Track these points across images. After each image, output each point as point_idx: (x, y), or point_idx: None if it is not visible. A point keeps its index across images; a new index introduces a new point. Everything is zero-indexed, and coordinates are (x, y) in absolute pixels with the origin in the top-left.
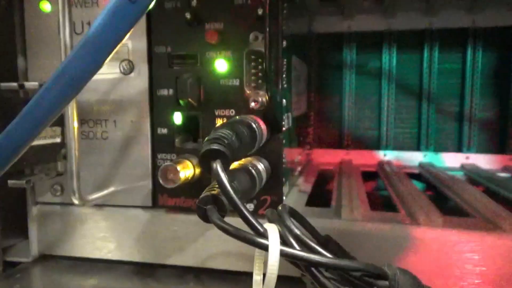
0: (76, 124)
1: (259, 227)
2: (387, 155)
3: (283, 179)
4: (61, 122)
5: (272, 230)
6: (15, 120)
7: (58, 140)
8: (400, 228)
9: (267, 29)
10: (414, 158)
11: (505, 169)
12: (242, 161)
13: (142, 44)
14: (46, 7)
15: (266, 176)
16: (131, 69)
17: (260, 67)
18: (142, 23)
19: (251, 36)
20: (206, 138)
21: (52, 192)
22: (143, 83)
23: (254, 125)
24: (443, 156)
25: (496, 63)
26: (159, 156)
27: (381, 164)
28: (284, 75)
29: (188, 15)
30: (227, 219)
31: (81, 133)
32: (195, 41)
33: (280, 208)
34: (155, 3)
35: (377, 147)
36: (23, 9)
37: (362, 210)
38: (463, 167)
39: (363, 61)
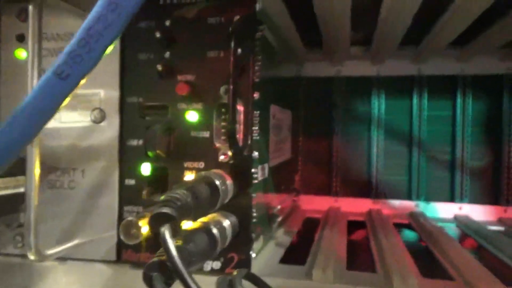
0: (37, 172)
1: None
2: (377, 203)
3: (253, 235)
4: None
5: None
6: None
7: (22, 190)
8: None
9: (231, 86)
10: (405, 207)
11: (499, 221)
12: (206, 218)
13: (115, 93)
14: (22, 54)
15: (233, 232)
16: (102, 118)
17: None
18: (115, 72)
19: (222, 89)
20: (160, 199)
21: (13, 244)
22: (113, 132)
23: (217, 182)
24: (435, 206)
25: (486, 110)
26: (125, 208)
27: (370, 212)
28: (256, 127)
29: (160, 67)
30: None
31: (48, 182)
32: (166, 93)
33: (235, 274)
34: (129, 53)
35: (367, 194)
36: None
37: (336, 269)
38: (456, 219)
39: (352, 105)
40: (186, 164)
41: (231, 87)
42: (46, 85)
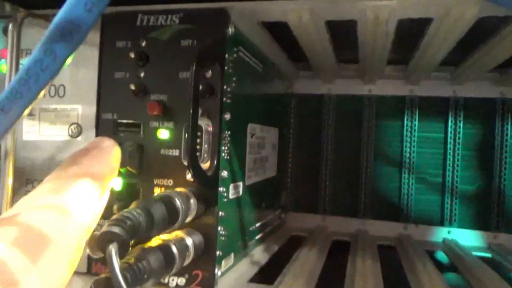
0: (10, 182)
1: None
2: (365, 224)
3: (219, 253)
4: None
5: None
6: None
7: None
8: None
9: (191, 111)
10: (393, 229)
11: (488, 248)
12: (170, 235)
13: (92, 109)
14: (4, 68)
15: (197, 250)
16: (79, 132)
17: (198, 140)
18: (93, 89)
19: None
20: (111, 218)
21: None
22: None
23: (177, 201)
24: (424, 229)
25: (478, 134)
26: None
27: (356, 234)
28: (226, 147)
29: (133, 86)
30: None
31: (25, 193)
32: (139, 111)
33: None
34: (106, 71)
35: (355, 214)
36: None
37: None
38: (444, 243)
39: (343, 124)
40: (156, 181)
41: (191, 111)
42: None
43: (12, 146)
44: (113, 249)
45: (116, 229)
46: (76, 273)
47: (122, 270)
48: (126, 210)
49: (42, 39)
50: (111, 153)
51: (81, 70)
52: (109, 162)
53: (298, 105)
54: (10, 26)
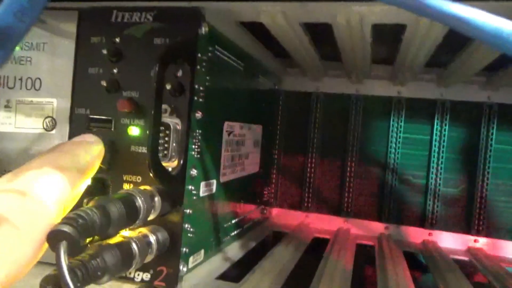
0: None
1: None
2: (348, 222)
3: (184, 249)
4: None
5: None
6: None
7: None
8: None
9: (153, 110)
10: (375, 228)
11: (467, 251)
12: (133, 232)
13: (66, 103)
14: None
15: (162, 246)
16: (53, 126)
17: (166, 138)
18: (68, 84)
19: (162, 107)
20: (64, 216)
21: None
22: (63, 141)
23: (138, 200)
24: (405, 230)
25: (464, 138)
26: (66, 215)
27: (338, 231)
28: (196, 146)
29: (104, 83)
30: None
31: None
32: (111, 107)
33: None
34: (81, 66)
35: (338, 212)
36: None
37: None
38: (423, 244)
39: (330, 122)
40: (125, 177)
41: (152, 111)
42: None
43: None
44: (61, 247)
45: (66, 228)
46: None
47: (70, 269)
48: (81, 208)
49: None
50: (93, 146)
51: (57, 64)
52: (89, 152)
53: (286, 101)
54: None
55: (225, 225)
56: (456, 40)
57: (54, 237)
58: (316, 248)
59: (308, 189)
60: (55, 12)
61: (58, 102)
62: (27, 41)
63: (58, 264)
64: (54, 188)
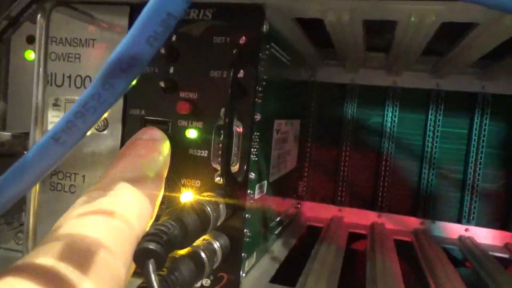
0: None
1: None
2: (382, 217)
3: (244, 255)
4: None
5: None
6: None
7: None
8: None
9: (226, 120)
10: (409, 223)
11: (505, 247)
12: (197, 241)
13: (118, 104)
14: (31, 55)
15: (224, 253)
16: (105, 126)
17: None
18: None
19: (222, 111)
20: (146, 233)
21: (15, 240)
22: (115, 141)
23: (208, 209)
24: (441, 225)
25: (504, 132)
26: None
27: (372, 226)
28: (255, 149)
29: (162, 84)
30: None
31: (50, 184)
32: (168, 108)
33: None
34: None
35: (372, 207)
36: (9, 55)
37: None
38: (460, 240)
39: (364, 114)
40: (183, 181)
41: (226, 119)
42: (44, 147)
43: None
44: (150, 266)
45: (153, 246)
46: None
47: (161, 285)
48: (160, 222)
49: (100, 72)
50: (163, 145)
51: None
52: (162, 153)
53: (320, 94)
54: (39, 15)
55: (271, 225)
56: None
57: (141, 255)
58: (356, 245)
59: (342, 183)
60: (106, 7)
61: None
62: (75, 38)
63: (149, 283)
64: (136, 202)
